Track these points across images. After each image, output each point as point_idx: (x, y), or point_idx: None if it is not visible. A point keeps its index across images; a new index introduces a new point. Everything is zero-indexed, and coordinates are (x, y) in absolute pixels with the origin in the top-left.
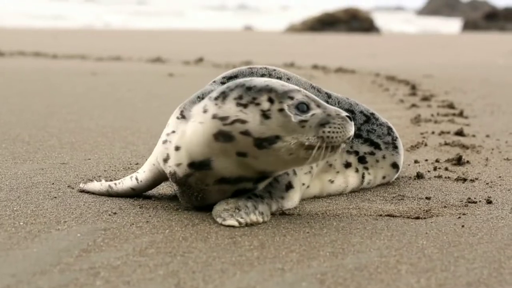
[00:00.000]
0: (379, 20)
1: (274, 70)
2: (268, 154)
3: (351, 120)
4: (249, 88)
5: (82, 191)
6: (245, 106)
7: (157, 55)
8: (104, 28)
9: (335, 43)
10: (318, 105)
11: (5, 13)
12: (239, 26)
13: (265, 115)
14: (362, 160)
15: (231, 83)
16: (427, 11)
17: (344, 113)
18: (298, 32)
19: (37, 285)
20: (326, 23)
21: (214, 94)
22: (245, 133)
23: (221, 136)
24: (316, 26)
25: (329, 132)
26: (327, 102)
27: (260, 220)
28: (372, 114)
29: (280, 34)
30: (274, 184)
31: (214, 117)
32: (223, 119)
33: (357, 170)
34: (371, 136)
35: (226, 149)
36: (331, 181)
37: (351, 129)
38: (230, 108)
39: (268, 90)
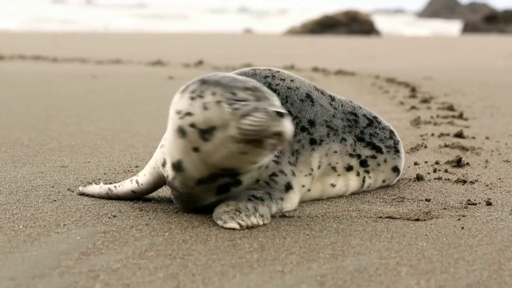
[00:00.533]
0: (379, 22)
1: (278, 71)
2: (214, 148)
3: (282, 117)
4: (202, 82)
5: (82, 194)
6: (193, 99)
7: (157, 58)
8: (104, 31)
9: (335, 45)
10: (260, 100)
11: (6, 16)
12: (239, 29)
13: (205, 106)
14: (363, 163)
15: (194, 79)
16: (427, 13)
17: (274, 108)
18: (298, 34)
19: None
20: (326, 25)
21: (180, 89)
22: (192, 125)
23: (179, 132)
24: (316, 28)
25: (248, 124)
26: (331, 105)
27: (261, 222)
28: (375, 117)
29: (280, 36)
30: (273, 184)
31: (174, 111)
32: (178, 112)
33: (358, 174)
34: (373, 140)
35: (185, 145)
36: (333, 185)
37: (277, 125)
38: (184, 102)
39: (216, 84)
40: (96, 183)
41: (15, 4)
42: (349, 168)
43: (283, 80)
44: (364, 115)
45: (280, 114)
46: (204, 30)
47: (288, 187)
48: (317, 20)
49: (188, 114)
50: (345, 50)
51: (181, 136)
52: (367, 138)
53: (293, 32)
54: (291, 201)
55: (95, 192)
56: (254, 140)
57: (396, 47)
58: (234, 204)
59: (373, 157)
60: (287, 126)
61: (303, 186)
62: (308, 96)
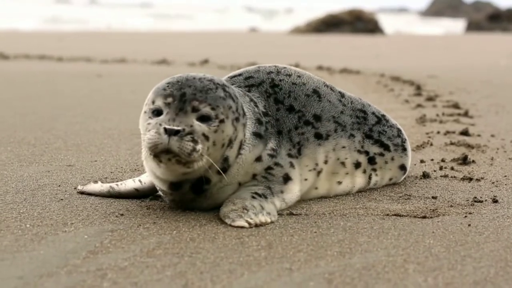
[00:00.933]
0: (383, 21)
1: (284, 67)
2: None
3: (170, 134)
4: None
5: (82, 193)
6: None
7: (162, 57)
8: (108, 30)
9: (339, 44)
10: (167, 114)
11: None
12: (245, 28)
13: (142, 115)
14: (371, 160)
15: None
16: (431, 12)
17: (164, 126)
18: (303, 33)
19: (44, 287)
20: (330, 24)
21: None
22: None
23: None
24: (321, 27)
25: (144, 139)
26: (340, 101)
27: (268, 220)
28: (383, 115)
29: (285, 35)
30: (270, 177)
31: None
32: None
33: (364, 171)
34: (381, 138)
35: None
36: (339, 182)
37: (162, 143)
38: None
39: (153, 90)
40: (95, 182)
41: (19, 5)
42: (357, 165)
43: (289, 75)
44: (373, 113)
45: (168, 132)
46: (209, 29)
47: (287, 179)
48: (322, 19)
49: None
50: (350, 48)
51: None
52: (375, 135)
53: (298, 31)
54: (291, 191)
55: (95, 190)
56: (155, 155)
57: (401, 46)
58: (240, 202)
59: (381, 154)
60: (172, 144)
61: (306, 179)
62: (315, 91)
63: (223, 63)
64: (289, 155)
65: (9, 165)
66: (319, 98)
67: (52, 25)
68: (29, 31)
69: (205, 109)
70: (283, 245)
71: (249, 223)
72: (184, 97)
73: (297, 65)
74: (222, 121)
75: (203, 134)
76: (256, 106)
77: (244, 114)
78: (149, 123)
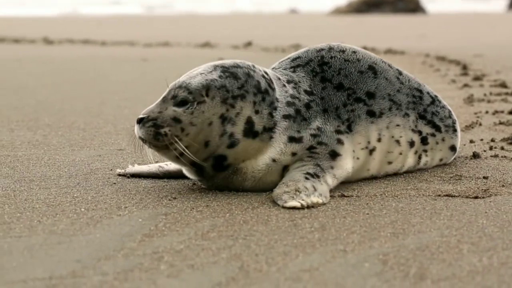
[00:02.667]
0: (425, 0)
1: (338, 44)
2: None
3: (138, 123)
4: None
5: (124, 175)
6: None
7: (205, 39)
8: (150, 14)
9: (382, 24)
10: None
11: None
12: (284, 9)
13: None
14: (424, 140)
15: None
16: None
17: (142, 115)
18: (344, 14)
19: (102, 270)
20: (371, 4)
21: None
22: None
23: None
24: (362, 7)
25: None
26: (398, 79)
27: (320, 201)
28: (436, 96)
29: (325, 16)
30: (316, 156)
31: None
32: None
33: (416, 152)
34: (434, 119)
35: None
36: (390, 162)
37: (136, 131)
38: None
39: None
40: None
41: None
42: (412, 144)
43: (343, 52)
44: (428, 93)
45: (138, 121)
46: (249, 11)
47: (334, 155)
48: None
49: None
50: (393, 28)
51: None
52: (428, 116)
53: (339, 11)
54: (341, 167)
55: (143, 171)
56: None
57: (444, 25)
58: (293, 184)
59: (433, 135)
60: (140, 132)
61: (358, 158)
62: (371, 68)
63: (267, 45)
64: (338, 132)
65: (61, 150)
66: (374, 74)
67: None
68: (67, 15)
69: (182, 95)
70: (336, 227)
71: (302, 204)
72: (173, 87)
73: None
74: (201, 102)
75: (173, 118)
76: (295, 87)
77: (259, 92)
78: None
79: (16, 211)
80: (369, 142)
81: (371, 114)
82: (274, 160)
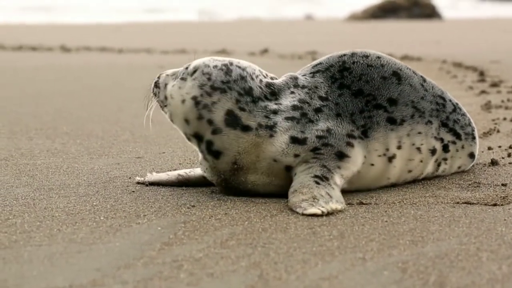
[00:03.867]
0: (441, 6)
1: (364, 51)
2: None
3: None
4: None
5: (142, 183)
6: None
7: (222, 47)
8: (167, 20)
9: (398, 30)
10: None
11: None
12: (300, 15)
13: None
14: (445, 148)
15: None
16: None
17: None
18: (360, 20)
19: (123, 279)
20: (387, 10)
21: None
22: None
23: None
24: (377, 13)
25: None
26: (422, 85)
27: (340, 207)
28: (457, 103)
29: (341, 22)
30: (321, 157)
31: None
32: None
33: (436, 160)
34: (455, 126)
35: None
36: (410, 171)
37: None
38: None
39: None
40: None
41: None
42: (433, 151)
43: (366, 57)
44: (450, 100)
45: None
46: (265, 17)
47: (341, 156)
48: (379, 5)
49: None
50: (409, 35)
51: None
52: (450, 124)
53: (355, 17)
54: (349, 169)
55: (162, 179)
56: None
57: (460, 31)
58: (309, 192)
59: (453, 143)
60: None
61: (372, 164)
62: (396, 74)
63: (283, 52)
64: (350, 136)
65: (79, 158)
66: (398, 81)
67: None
68: (83, 23)
69: (182, 69)
70: (355, 235)
71: (322, 211)
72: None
73: None
74: (183, 79)
75: (164, 83)
76: (309, 92)
77: (246, 95)
78: None
79: (36, 220)
80: (387, 149)
81: (391, 121)
82: (275, 160)
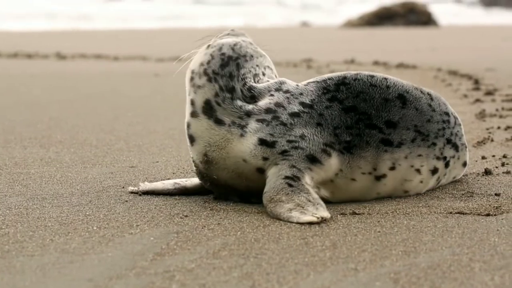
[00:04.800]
0: (437, 13)
1: (371, 72)
2: None
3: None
4: None
5: (136, 192)
6: None
7: None
8: (162, 27)
9: (394, 37)
10: None
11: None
12: (296, 22)
13: None
14: (447, 165)
15: None
16: (486, 1)
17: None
18: (356, 27)
19: None
20: (383, 17)
21: None
22: None
23: None
24: (373, 20)
25: None
26: (430, 106)
27: (328, 216)
28: (454, 113)
29: (337, 29)
30: (290, 158)
31: None
32: None
33: (438, 178)
34: (456, 140)
35: None
36: (406, 191)
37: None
38: None
39: None
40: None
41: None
42: (434, 171)
43: (372, 77)
44: (452, 113)
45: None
46: (260, 24)
47: (313, 159)
48: (375, 12)
49: None
50: (405, 42)
51: None
52: (453, 139)
53: (350, 24)
54: (319, 174)
55: (158, 188)
56: None
57: (456, 38)
58: (290, 200)
59: (453, 157)
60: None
61: (353, 179)
62: (401, 97)
63: (279, 60)
64: (328, 145)
65: (73, 167)
66: (402, 104)
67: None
68: (82, 29)
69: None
70: (348, 245)
71: (317, 218)
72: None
73: (352, 61)
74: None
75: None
76: (289, 97)
77: (226, 91)
78: None
79: (29, 230)
80: (375, 169)
81: (386, 143)
82: (244, 161)
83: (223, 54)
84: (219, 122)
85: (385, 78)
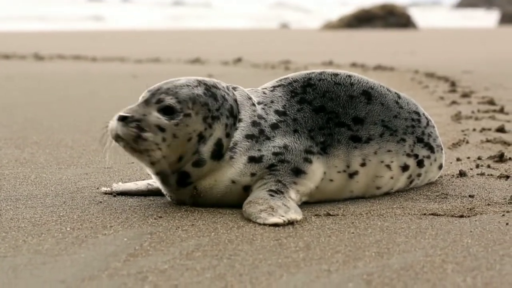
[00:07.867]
0: (416, 15)
1: (335, 70)
2: None
3: (119, 120)
4: None
5: (110, 193)
6: None
7: (195, 55)
8: (141, 29)
9: (372, 40)
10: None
11: (44, 16)
12: (275, 25)
13: None
14: (420, 163)
15: None
16: (465, 4)
17: (119, 113)
18: (335, 29)
19: None
20: (363, 19)
21: None
22: None
23: None
24: (353, 22)
25: None
26: (397, 103)
27: (298, 218)
28: (425, 114)
29: (316, 31)
30: (277, 173)
31: None
32: None
33: (410, 176)
34: (430, 140)
35: None
36: (378, 188)
37: (113, 127)
38: None
39: None
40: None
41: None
42: (405, 168)
43: (335, 75)
44: (423, 114)
45: (118, 118)
46: (240, 27)
47: (298, 172)
48: (354, 14)
49: None
50: (383, 44)
51: None
52: (425, 138)
53: (330, 26)
54: (304, 185)
55: (131, 189)
56: (116, 142)
57: (434, 41)
58: (265, 202)
59: (428, 157)
60: (119, 129)
61: (331, 180)
62: (366, 93)
63: (256, 61)
64: (308, 152)
65: (48, 168)
66: (368, 100)
67: (85, 24)
68: (59, 30)
69: (170, 101)
70: (321, 246)
71: (284, 220)
72: (156, 91)
73: (330, 63)
74: (187, 115)
75: (158, 125)
76: (264, 108)
77: (231, 116)
78: None
79: (2, 231)
80: (348, 166)
81: (355, 139)
82: (233, 182)
83: (203, 94)
84: (220, 157)
85: (349, 76)
